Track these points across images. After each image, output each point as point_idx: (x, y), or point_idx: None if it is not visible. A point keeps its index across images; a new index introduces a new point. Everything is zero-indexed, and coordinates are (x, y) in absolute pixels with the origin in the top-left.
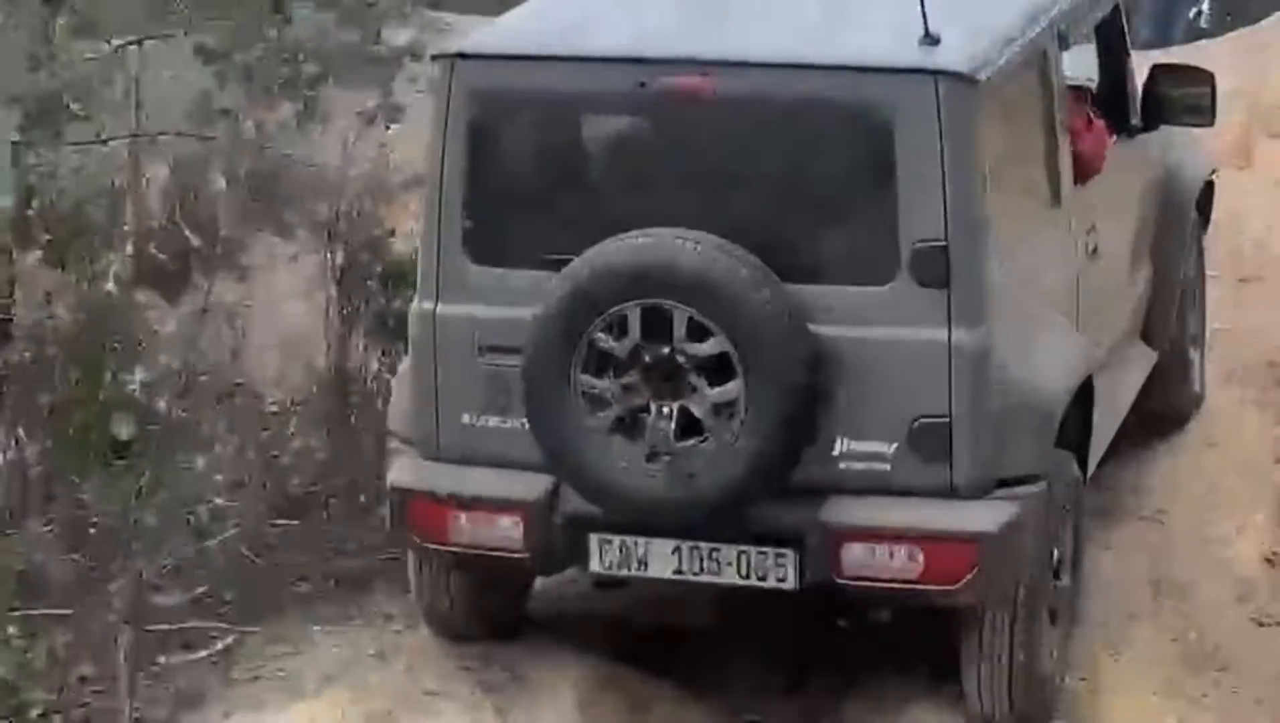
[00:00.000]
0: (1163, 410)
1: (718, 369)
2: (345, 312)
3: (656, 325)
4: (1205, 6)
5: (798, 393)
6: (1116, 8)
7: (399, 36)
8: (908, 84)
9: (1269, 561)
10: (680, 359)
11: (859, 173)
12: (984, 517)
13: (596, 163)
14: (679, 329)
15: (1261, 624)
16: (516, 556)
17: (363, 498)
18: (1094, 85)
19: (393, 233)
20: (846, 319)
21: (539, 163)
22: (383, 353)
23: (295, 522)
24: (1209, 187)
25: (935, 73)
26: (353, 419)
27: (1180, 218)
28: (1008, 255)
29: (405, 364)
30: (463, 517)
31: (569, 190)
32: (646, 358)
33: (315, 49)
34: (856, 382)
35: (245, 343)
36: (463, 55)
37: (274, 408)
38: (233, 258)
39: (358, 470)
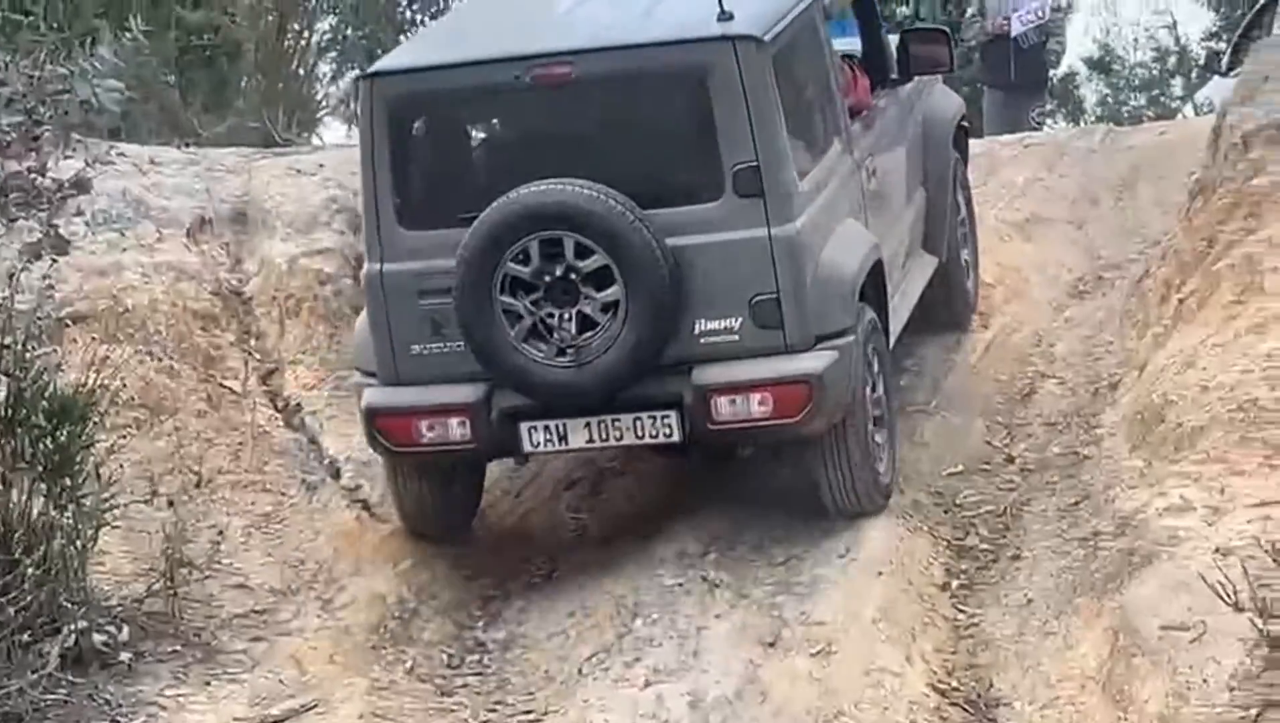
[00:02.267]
0: (945, 318)
1: (601, 279)
2: (9, 448)
3: (552, 252)
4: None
5: (662, 289)
6: None
7: (65, 169)
8: (713, 49)
9: (938, 690)
10: (573, 275)
11: (687, 120)
12: (811, 363)
13: (491, 140)
14: (569, 252)
15: None
16: (467, 447)
17: (27, 636)
18: (859, 51)
19: (60, 367)
20: (693, 230)
21: (446, 145)
22: (48, 490)
23: None
24: (961, 130)
25: (733, 38)
26: (17, 556)
27: (941, 154)
28: (805, 171)
29: (363, 315)
30: (423, 423)
31: (472, 163)
32: (547, 277)
33: None
34: (705, 276)
35: None
36: (378, 74)
37: None
38: None
39: (22, 609)
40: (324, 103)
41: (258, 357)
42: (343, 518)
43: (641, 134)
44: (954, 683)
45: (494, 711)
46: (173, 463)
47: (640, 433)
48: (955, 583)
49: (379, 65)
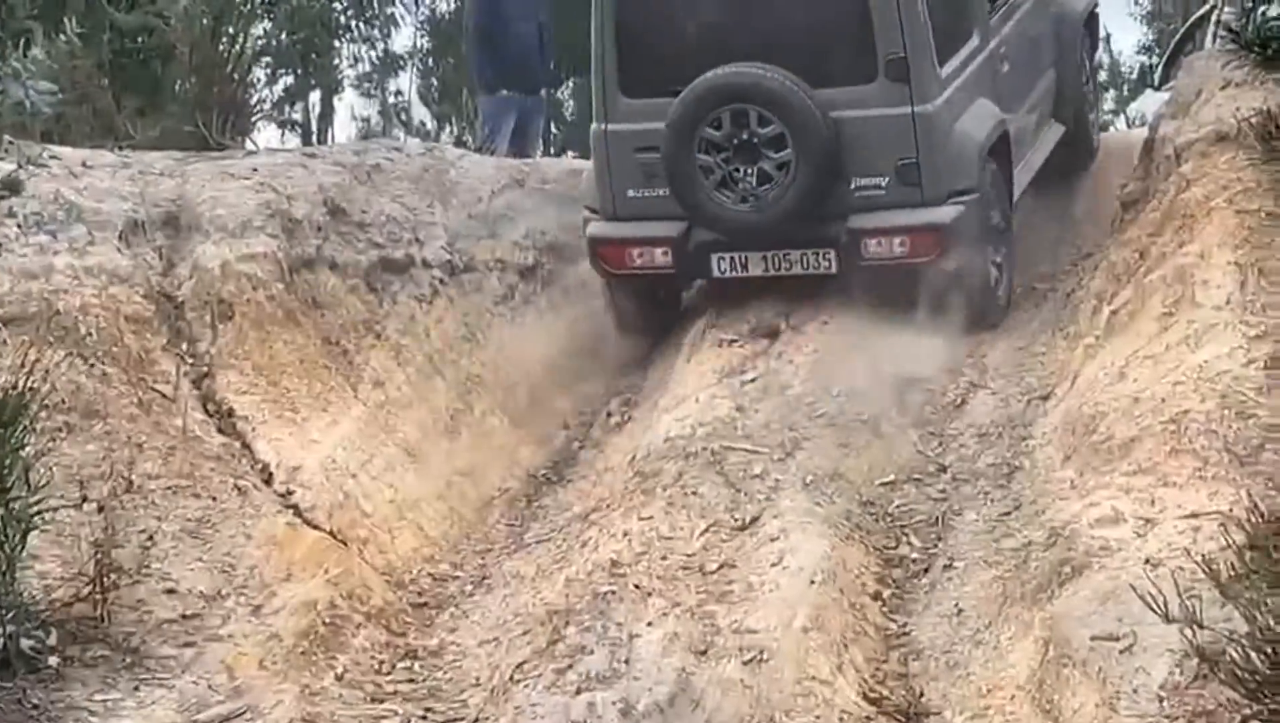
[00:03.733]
0: (1071, 164)
1: (778, 144)
2: None
3: (740, 121)
4: None
5: (824, 153)
6: None
7: None
8: None
9: (870, 699)
10: (755, 140)
11: (850, 19)
12: (942, 214)
13: (694, 27)
14: (753, 121)
15: None
16: (668, 270)
17: None
18: None
19: None
20: (851, 106)
21: (658, 30)
22: None
23: None
24: (1094, 16)
25: None
26: None
27: (1071, 40)
28: (945, 61)
29: (590, 164)
30: (635, 251)
31: (678, 46)
32: (735, 141)
33: None
34: (860, 143)
35: None
36: None
37: None
38: None
39: None
40: (258, 107)
41: (190, 361)
42: (274, 524)
43: (813, 28)
44: (885, 692)
45: (425, 718)
46: (103, 467)
47: (805, 265)
48: (887, 592)
49: None
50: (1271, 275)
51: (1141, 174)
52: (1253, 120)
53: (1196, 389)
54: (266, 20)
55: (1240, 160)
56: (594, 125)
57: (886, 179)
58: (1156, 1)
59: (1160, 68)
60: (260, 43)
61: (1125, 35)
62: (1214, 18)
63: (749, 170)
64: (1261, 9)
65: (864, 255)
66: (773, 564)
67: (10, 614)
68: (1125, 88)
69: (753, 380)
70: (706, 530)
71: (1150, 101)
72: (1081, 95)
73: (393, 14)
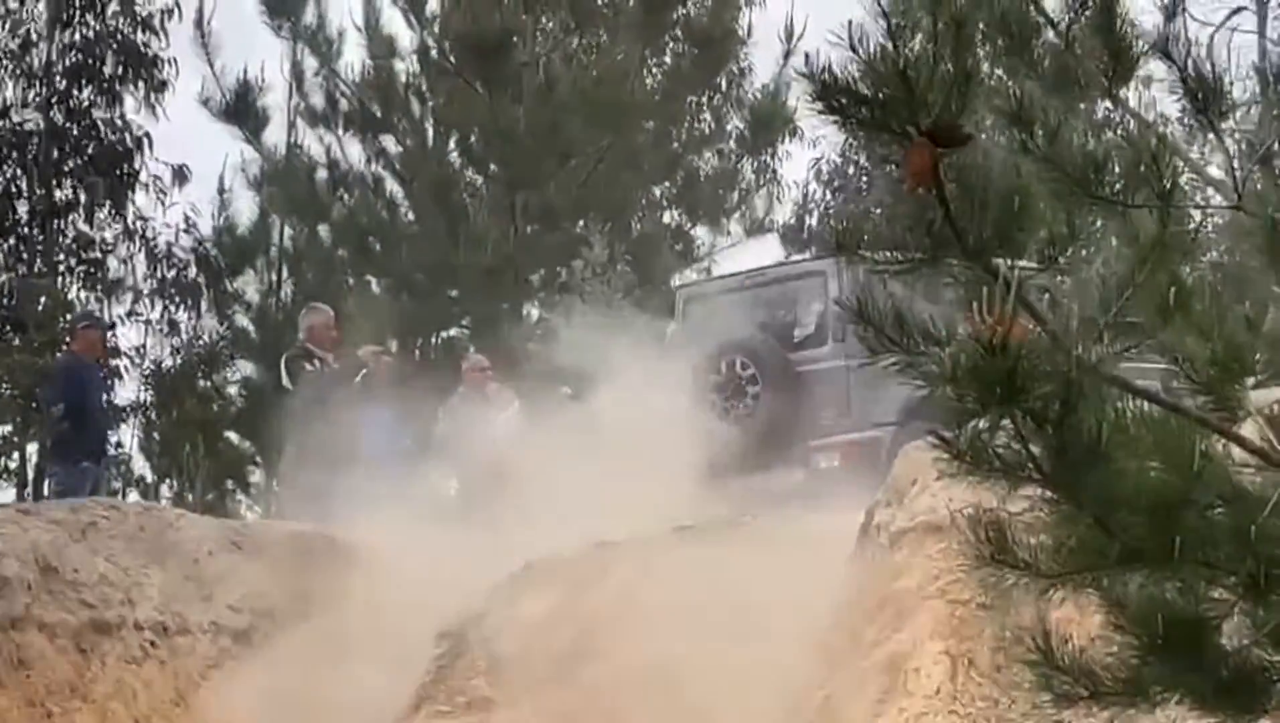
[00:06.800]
0: None
1: (753, 381)
2: None
3: (731, 367)
4: None
5: (784, 382)
6: None
7: None
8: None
9: None
10: (741, 380)
11: (818, 311)
12: (867, 435)
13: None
14: (739, 367)
15: None
16: None
17: None
18: None
19: None
20: (809, 361)
21: (718, 320)
22: None
23: None
24: None
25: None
26: None
27: None
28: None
29: None
30: None
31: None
32: (731, 383)
33: None
34: (817, 385)
35: None
36: (682, 285)
37: None
38: None
39: None
40: None
41: None
42: None
43: (792, 318)
44: None
45: None
46: None
47: (785, 480)
48: None
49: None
50: (981, 666)
51: (857, 558)
52: (964, 511)
53: None
54: None
55: (952, 550)
56: None
57: (835, 411)
58: None
59: None
60: None
61: None
62: None
63: (739, 402)
64: (973, 421)
65: (813, 467)
66: None
67: None
68: None
69: None
70: None
71: None
72: None
73: (116, 366)
